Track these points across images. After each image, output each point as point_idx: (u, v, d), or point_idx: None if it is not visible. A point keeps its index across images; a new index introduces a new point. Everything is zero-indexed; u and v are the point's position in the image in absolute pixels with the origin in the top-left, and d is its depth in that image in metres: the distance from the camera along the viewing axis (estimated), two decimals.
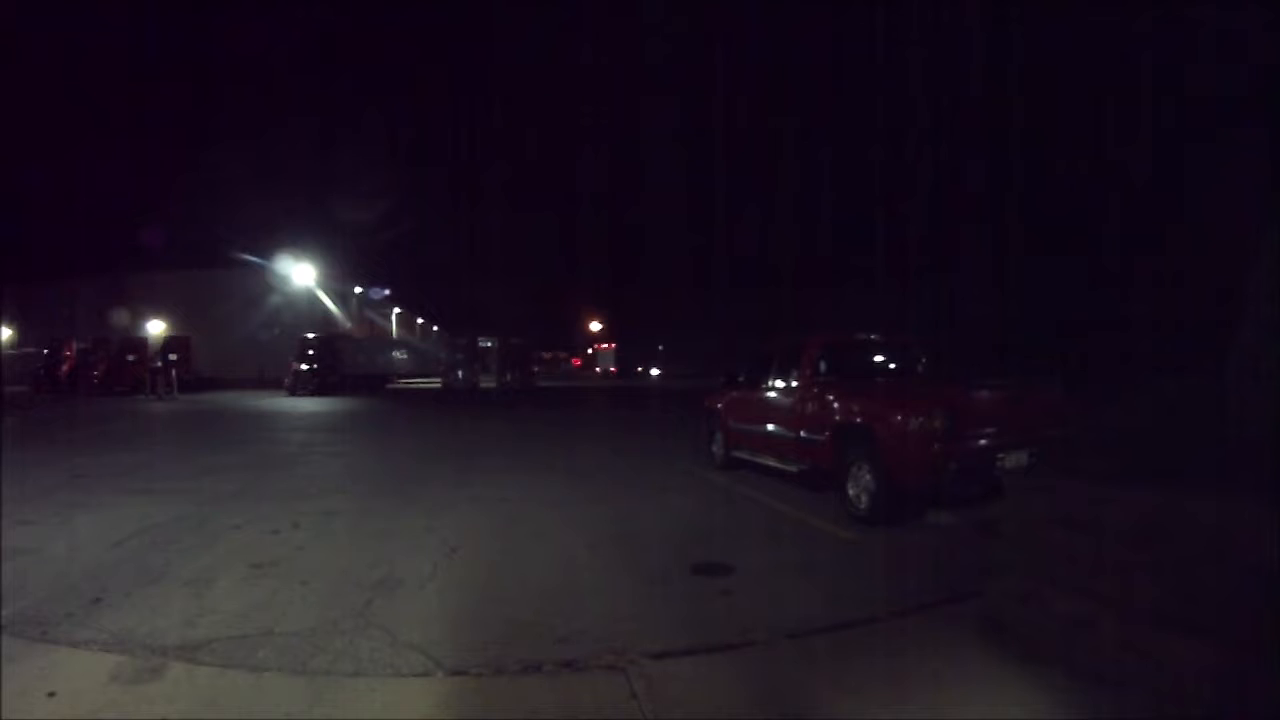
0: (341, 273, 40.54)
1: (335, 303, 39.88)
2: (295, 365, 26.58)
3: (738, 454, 7.27)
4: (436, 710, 2.43)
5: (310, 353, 26.92)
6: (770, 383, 6.66)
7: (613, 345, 59.90)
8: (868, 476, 5.06)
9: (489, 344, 39.27)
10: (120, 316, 33.09)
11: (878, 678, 2.65)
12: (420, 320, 57.20)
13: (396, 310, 50.61)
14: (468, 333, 38.78)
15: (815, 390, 5.94)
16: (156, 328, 32.78)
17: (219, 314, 34.82)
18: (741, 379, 7.43)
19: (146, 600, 3.46)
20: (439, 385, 32.29)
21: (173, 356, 26.17)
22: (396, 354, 35.91)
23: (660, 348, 58.93)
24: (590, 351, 61.99)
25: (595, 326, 64.59)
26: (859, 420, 5.32)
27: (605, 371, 55.77)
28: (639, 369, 58.58)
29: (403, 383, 34.60)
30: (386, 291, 47.67)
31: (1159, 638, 2.29)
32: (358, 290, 43.95)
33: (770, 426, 6.54)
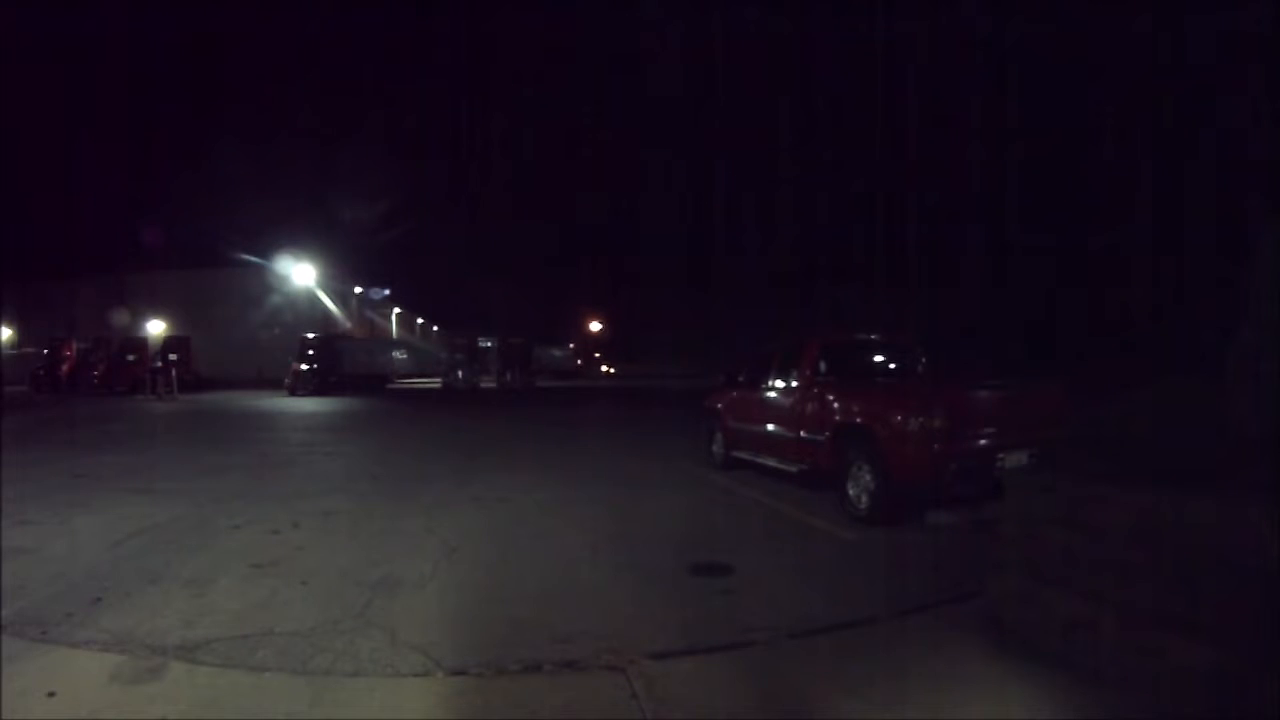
0: (341, 273, 40.60)
1: (335, 303, 39.91)
2: (295, 365, 26.60)
3: (738, 454, 7.26)
4: (436, 710, 2.43)
5: (310, 353, 26.96)
6: (770, 383, 6.66)
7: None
8: (868, 476, 5.06)
9: (489, 344, 39.28)
10: (120, 316, 33.15)
11: (878, 678, 2.64)
12: (420, 320, 57.24)
13: (396, 310, 50.66)
14: (468, 333, 38.83)
15: (815, 390, 5.94)
16: (156, 328, 32.79)
17: (219, 314, 34.88)
18: (741, 379, 7.43)
19: (146, 600, 3.46)
20: (439, 385, 32.27)
21: (173, 356, 26.12)
22: (396, 354, 35.94)
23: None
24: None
25: (595, 326, 64.60)
26: (859, 420, 5.32)
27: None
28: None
29: (403, 383, 34.59)
30: (386, 291, 47.74)
31: (1159, 638, 2.29)
32: (358, 290, 44.00)
33: (770, 426, 6.54)
